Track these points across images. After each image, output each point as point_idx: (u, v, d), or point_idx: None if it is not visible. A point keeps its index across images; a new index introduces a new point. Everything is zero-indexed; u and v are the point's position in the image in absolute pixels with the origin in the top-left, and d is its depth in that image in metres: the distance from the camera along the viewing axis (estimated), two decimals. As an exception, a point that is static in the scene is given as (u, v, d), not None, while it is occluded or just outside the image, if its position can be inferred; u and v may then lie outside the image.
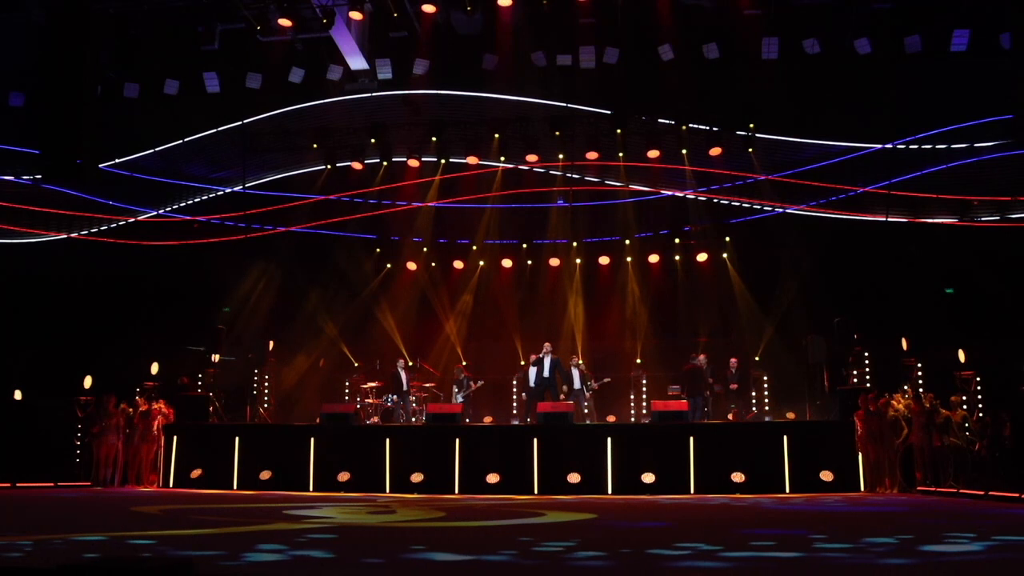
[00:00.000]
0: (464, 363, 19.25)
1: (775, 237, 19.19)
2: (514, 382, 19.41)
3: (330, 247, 21.12)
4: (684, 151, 19.42)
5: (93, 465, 16.29)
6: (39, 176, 19.41)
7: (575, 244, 20.49)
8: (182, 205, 21.29)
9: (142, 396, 16.91)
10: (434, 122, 19.71)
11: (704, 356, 17.95)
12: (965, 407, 14.51)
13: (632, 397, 19.19)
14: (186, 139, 20.05)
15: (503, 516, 10.73)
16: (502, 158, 20.03)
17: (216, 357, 18.34)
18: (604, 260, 20.74)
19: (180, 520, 10.04)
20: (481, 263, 21.03)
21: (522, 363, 19.32)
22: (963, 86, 17.18)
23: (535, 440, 15.13)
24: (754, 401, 18.12)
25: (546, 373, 17.47)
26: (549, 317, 20.02)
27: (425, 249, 21.13)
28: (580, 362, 18.32)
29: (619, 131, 19.17)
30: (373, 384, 18.45)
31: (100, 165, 16.16)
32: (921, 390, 15.12)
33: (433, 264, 21.20)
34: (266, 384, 19.97)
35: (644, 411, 18.68)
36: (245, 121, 19.68)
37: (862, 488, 14.44)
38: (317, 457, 15.66)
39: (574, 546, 7.47)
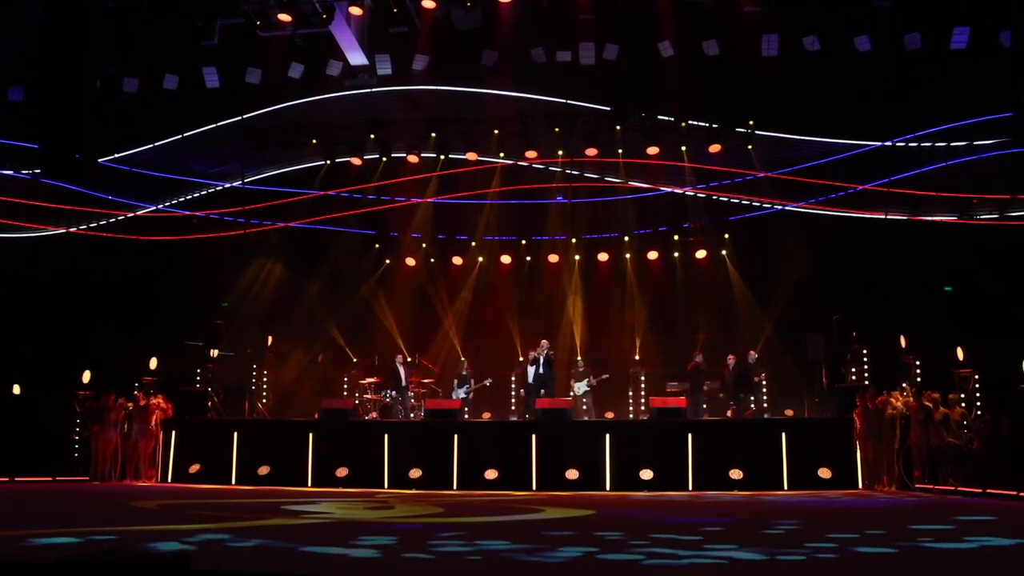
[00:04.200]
0: (463, 359, 19.19)
1: (774, 234, 19.15)
2: (512, 378, 19.42)
3: (329, 243, 21.12)
4: (683, 148, 19.40)
5: (91, 460, 16.31)
6: (38, 171, 19.37)
7: (574, 241, 20.48)
8: (181, 200, 21.27)
9: (140, 391, 16.93)
10: (433, 118, 19.69)
11: (701, 355, 18.01)
12: (963, 405, 14.52)
13: (631, 394, 19.21)
14: (185, 134, 19.99)
15: (501, 512, 10.75)
16: (501, 154, 20.01)
17: (215, 352, 18.35)
18: (603, 257, 20.73)
19: (178, 515, 10.05)
20: (480, 259, 21.03)
21: (520, 359, 19.33)
22: (963, 84, 17.15)
23: (533, 436, 15.15)
24: (752, 398, 18.12)
25: (542, 370, 17.50)
26: (548, 314, 20.04)
27: (424, 245, 21.11)
28: (579, 359, 18.33)
29: (618, 128, 19.16)
30: (372, 380, 18.46)
31: (99, 160, 16.15)
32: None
33: (432, 260, 21.16)
34: (265, 379, 19.98)
35: (643, 408, 18.70)
36: (244, 116, 19.62)
37: (860, 486, 14.46)
38: (315, 452, 15.66)
39: (571, 542, 7.47)
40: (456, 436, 15.31)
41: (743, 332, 19.04)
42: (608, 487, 14.66)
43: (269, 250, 21.01)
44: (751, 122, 18.63)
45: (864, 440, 14.47)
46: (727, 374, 17.82)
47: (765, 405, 18.02)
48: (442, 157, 20.28)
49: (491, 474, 14.95)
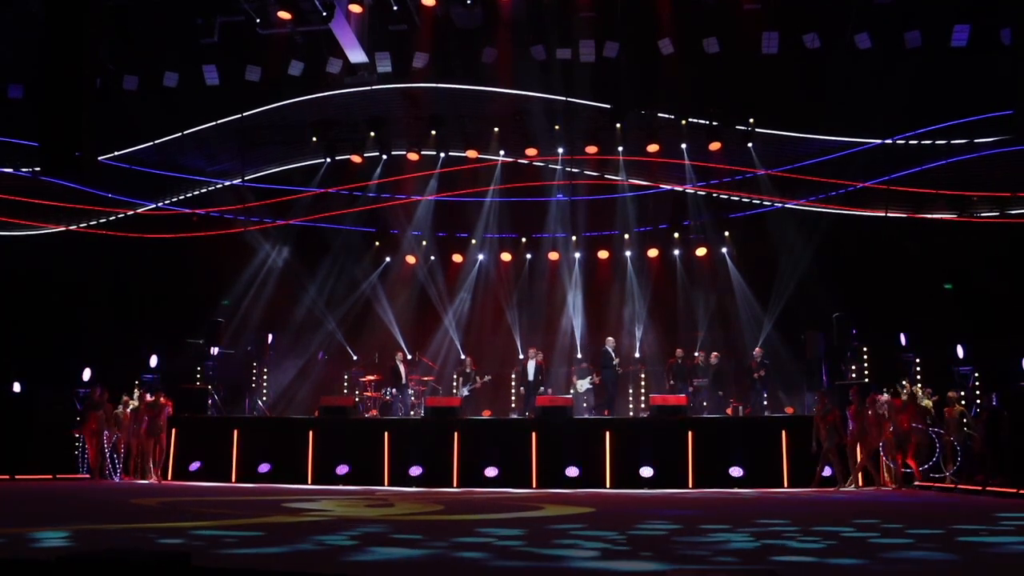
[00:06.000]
0: (467, 357, 19.12)
1: (774, 232, 19.15)
2: (512, 376, 19.42)
3: (329, 240, 21.12)
4: (683, 145, 19.41)
5: (92, 458, 16.30)
6: (38, 169, 19.37)
7: (574, 238, 20.48)
8: (181, 198, 21.25)
9: (144, 388, 16.93)
10: (433, 116, 19.68)
11: (681, 351, 18.05)
12: (963, 403, 14.52)
13: (631, 391, 19.21)
14: (185, 132, 19.98)
15: (501, 509, 10.75)
16: (501, 152, 20.02)
17: (215, 350, 18.35)
18: (603, 254, 20.72)
19: (179, 512, 10.06)
20: (480, 257, 21.03)
21: (520, 357, 19.32)
22: (963, 82, 17.13)
23: (534, 434, 15.16)
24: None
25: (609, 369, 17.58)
26: (548, 311, 20.03)
27: (424, 243, 21.11)
28: (579, 357, 18.32)
29: (618, 125, 19.15)
30: (372, 377, 18.47)
31: (99, 158, 16.14)
32: (919, 386, 15.12)
33: (432, 258, 21.17)
34: (265, 377, 19.98)
35: (643, 405, 18.71)
36: (244, 114, 19.62)
37: (860, 483, 14.45)
38: (316, 450, 15.68)
39: (571, 540, 7.47)
40: (456, 434, 15.32)
41: (743, 330, 19.05)
42: (608, 485, 14.67)
43: (274, 240, 21.03)
44: (751, 119, 18.61)
45: (858, 439, 14.39)
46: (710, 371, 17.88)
47: (765, 403, 18.02)
48: (442, 155, 20.29)
49: (491, 472, 14.96)
